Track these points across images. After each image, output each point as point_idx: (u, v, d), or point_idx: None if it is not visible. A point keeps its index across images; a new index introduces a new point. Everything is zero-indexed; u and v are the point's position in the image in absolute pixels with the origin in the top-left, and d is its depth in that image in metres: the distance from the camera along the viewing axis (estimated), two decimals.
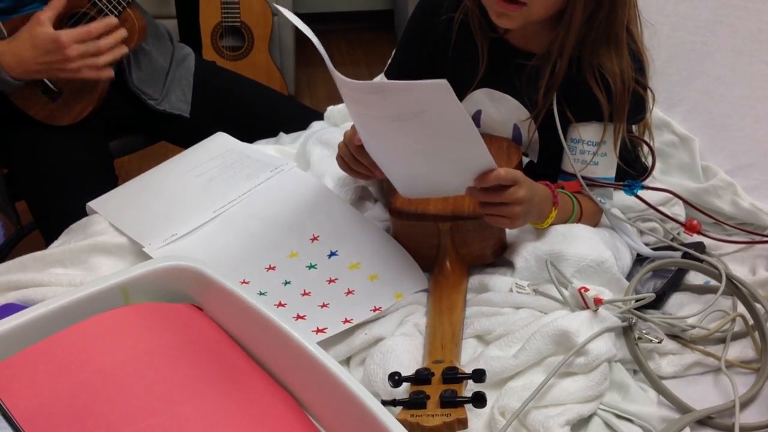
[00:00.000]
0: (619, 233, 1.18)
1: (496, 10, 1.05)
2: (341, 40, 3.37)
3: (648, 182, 1.28)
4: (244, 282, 1.01)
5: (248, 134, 1.41)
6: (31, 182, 1.42)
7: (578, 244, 1.05)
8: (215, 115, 1.60)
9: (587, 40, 1.06)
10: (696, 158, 1.34)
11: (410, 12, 2.35)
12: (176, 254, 1.04)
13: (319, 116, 1.54)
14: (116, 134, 1.58)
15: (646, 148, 1.22)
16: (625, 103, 1.08)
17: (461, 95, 1.18)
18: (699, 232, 1.21)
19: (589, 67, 1.08)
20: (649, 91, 1.13)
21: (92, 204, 1.19)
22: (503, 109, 1.17)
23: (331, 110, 1.49)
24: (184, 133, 1.61)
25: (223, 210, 1.12)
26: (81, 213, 1.20)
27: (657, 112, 1.38)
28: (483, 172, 0.95)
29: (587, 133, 1.13)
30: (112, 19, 1.34)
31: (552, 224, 1.08)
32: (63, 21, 1.36)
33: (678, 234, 1.24)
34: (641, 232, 1.25)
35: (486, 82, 1.16)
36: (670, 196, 1.26)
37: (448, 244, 1.04)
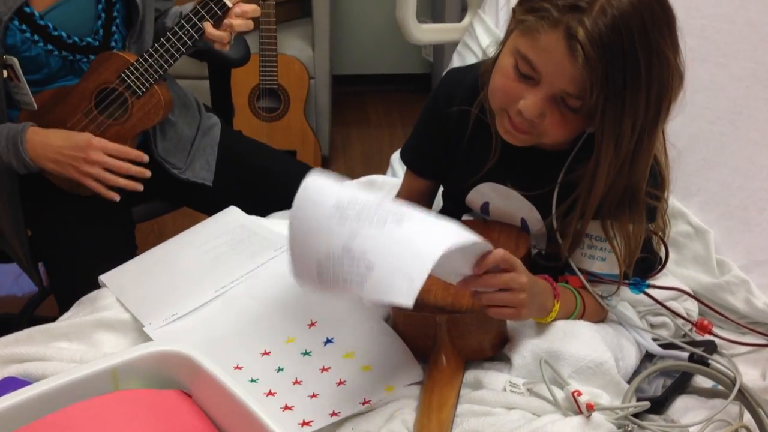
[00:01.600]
0: (627, 328, 1.16)
1: (506, 127, 1.04)
2: (378, 102, 3.41)
3: (661, 275, 1.26)
4: (237, 367, 1.02)
5: (269, 204, 1.44)
6: (49, 247, 1.46)
7: (577, 343, 1.03)
8: (238, 184, 1.63)
9: (604, 201, 1.04)
10: (711, 251, 1.31)
11: (452, 63, 2.34)
12: (174, 336, 1.05)
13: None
14: (139, 200, 1.62)
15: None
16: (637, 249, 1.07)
17: (469, 185, 1.19)
18: (710, 332, 1.18)
19: (605, 217, 1.06)
20: (663, 202, 1.10)
21: (103, 277, 1.22)
22: (511, 204, 1.17)
23: (348, 184, 1.50)
24: (207, 201, 1.65)
25: (225, 290, 1.13)
26: (95, 282, 1.23)
27: (673, 202, 1.36)
28: (480, 256, 0.92)
29: (594, 228, 1.11)
30: (144, 156, 1.40)
31: (555, 319, 1.06)
32: (91, 95, 1.42)
33: (690, 330, 1.21)
34: (652, 326, 1.23)
35: (496, 176, 1.16)
36: (687, 289, 1.24)
37: (445, 337, 1.04)
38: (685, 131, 1.39)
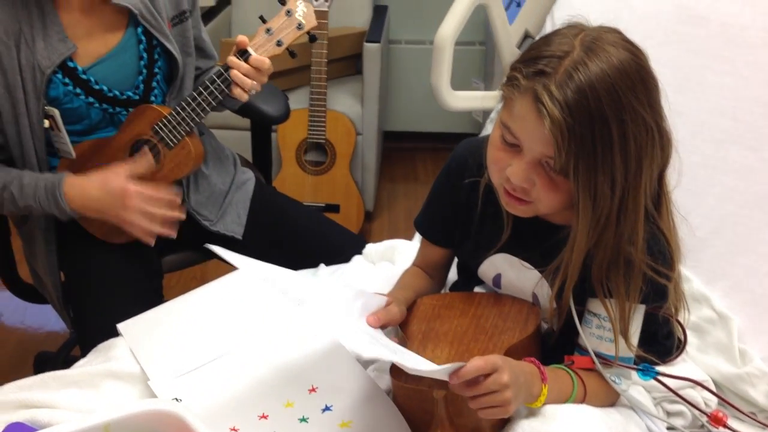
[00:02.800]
0: (640, 415, 1.12)
1: (505, 200, 1.05)
2: (427, 159, 3.44)
3: (679, 360, 1.22)
4: (233, 429, 1.02)
5: (297, 261, 1.45)
6: (77, 292, 1.50)
7: (578, 428, 1.01)
8: (267, 239, 1.66)
9: (595, 260, 1.03)
10: (733, 339, 1.27)
11: (486, 129, 2.35)
12: (176, 393, 1.07)
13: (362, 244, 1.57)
14: (170, 250, 1.66)
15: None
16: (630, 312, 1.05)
17: (483, 257, 1.19)
18: (725, 425, 1.14)
19: (598, 282, 1.05)
20: (674, 282, 1.08)
21: (121, 326, 1.26)
22: (523, 277, 1.16)
23: (369, 248, 1.52)
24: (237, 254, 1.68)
25: (232, 349, 1.15)
26: (115, 329, 1.27)
27: (698, 285, 1.33)
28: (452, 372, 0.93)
29: (603, 308, 1.09)
30: (178, 199, 1.45)
31: (549, 401, 1.03)
32: (127, 147, 1.47)
33: (707, 421, 1.17)
34: (668, 413, 1.19)
35: (509, 248, 1.16)
36: (705, 377, 1.20)
37: (443, 414, 1.02)
38: (714, 213, 1.36)
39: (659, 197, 1.06)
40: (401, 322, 1.16)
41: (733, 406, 1.18)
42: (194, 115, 1.44)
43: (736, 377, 1.23)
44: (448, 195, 1.21)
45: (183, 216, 1.46)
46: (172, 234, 1.46)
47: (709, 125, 1.39)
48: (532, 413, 1.04)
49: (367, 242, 1.58)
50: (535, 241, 1.12)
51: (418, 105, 3.37)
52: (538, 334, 1.12)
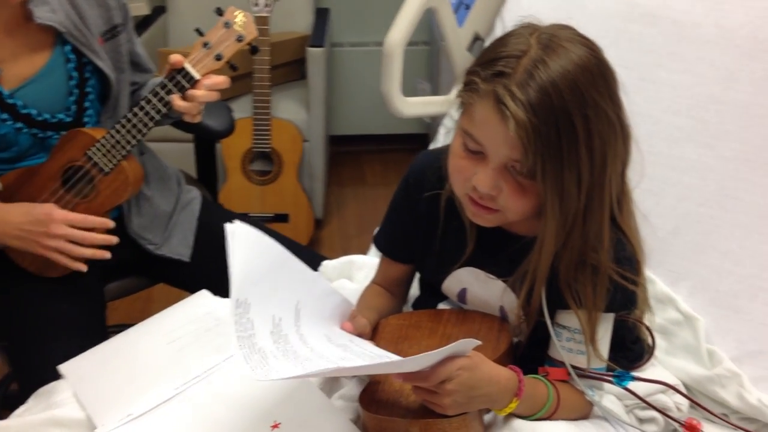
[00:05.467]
0: (613, 424, 1.10)
1: (471, 209, 1.02)
2: (375, 161, 3.39)
3: (649, 365, 1.20)
4: None
5: None
6: (10, 328, 1.40)
7: None
8: (217, 260, 1.58)
9: (562, 262, 1.01)
10: (701, 340, 1.25)
11: (438, 134, 2.30)
12: None
13: (321, 262, 1.51)
14: (113, 277, 1.58)
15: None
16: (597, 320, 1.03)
17: (447, 271, 1.15)
18: None
19: (565, 287, 1.02)
20: (640, 287, 1.06)
21: (62, 367, 1.17)
22: (489, 290, 1.12)
23: (326, 265, 1.46)
24: (185, 277, 1.60)
25: (186, 387, 1.08)
26: (55, 370, 1.18)
27: (662, 287, 1.31)
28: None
29: (571, 320, 1.06)
30: (109, 222, 1.36)
31: (520, 411, 1.00)
32: (58, 174, 1.38)
33: (680, 426, 1.15)
34: (641, 420, 1.16)
35: (473, 261, 1.12)
36: (675, 381, 1.18)
37: None
38: (674, 213, 1.34)
39: (621, 197, 1.04)
40: None
41: (704, 409, 1.16)
42: (129, 138, 1.36)
43: (706, 379, 1.21)
44: (407, 210, 1.17)
45: (114, 240, 1.36)
46: (105, 255, 1.37)
47: (664, 124, 1.37)
48: (509, 430, 1.01)
49: (317, 250, 1.52)
50: (500, 252, 1.09)
51: (363, 108, 3.33)
52: (510, 351, 1.08)
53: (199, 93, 1.33)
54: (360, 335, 1.07)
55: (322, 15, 3.01)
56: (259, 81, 2.52)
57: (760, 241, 1.27)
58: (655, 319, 1.27)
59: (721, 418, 1.15)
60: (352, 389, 1.12)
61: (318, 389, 1.09)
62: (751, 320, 1.24)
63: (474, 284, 1.14)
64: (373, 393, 1.02)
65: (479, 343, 0.93)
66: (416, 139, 3.42)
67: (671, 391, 1.17)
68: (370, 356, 0.95)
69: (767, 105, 1.31)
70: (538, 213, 0.99)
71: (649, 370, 1.21)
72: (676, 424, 1.14)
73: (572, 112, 0.90)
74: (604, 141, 0.94)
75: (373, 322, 1.15)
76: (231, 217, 1.68)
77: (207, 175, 1.91)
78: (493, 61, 0.94)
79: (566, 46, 0.93)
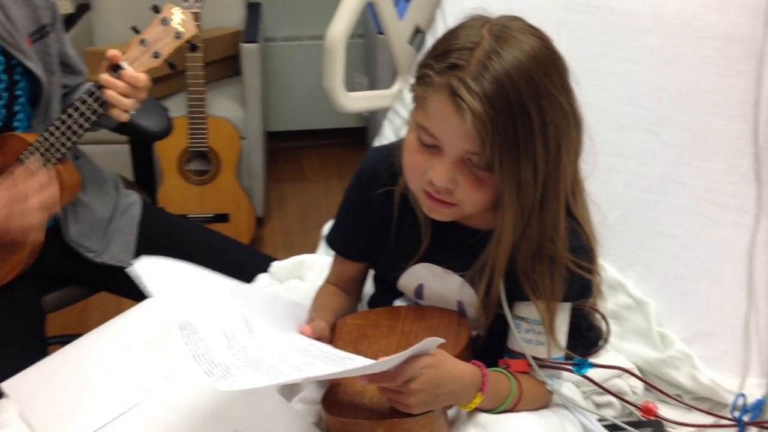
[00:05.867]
0: (572, 411, 1.11)
1: (427, 204, 1.01)
2: (314, 157, 3.36)
3: (603, 350, 1.22)
4: None
5: None
6: None
7: None
8: None
9: (520, 252, 1.01)
10: (652, 324, 1.28)
11: (383, 129, 2.29)
12: None
13: (269, 263, 1.48)
14: (52, 287, 1.51)
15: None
16: (555, 310, 1.04)
17: (403, 268, 1.14)
18: (656, 415, 1.14)
19: (524, 278, 1.02)
20: (597, 275, 1.07)
21: (5, 385, 1.11)
22: (446, 285, 1.11)
23: (275, 266, 1.43)
24: (128, 284, 1.52)
25: (141, 399, 1.04)
26: None
27: (612, 272, 1.33)
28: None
29: (529, 311, 1.07)
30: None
31: (484, 405, 1.00)
32: None
33: (636, 409, 1.17)
34: (598, 405, 1.18)
35: (429, 256, 1.11)
36: (630, 365, 1.21)
37: None
38: (620, 200, 1.36)
39: (574, 186, 1.05)
40: None
41: (659, 390, 1.18)
42: (64, 141, 1.30)
43: (659, 362, 1.24)
44: (361, 208, 1.15)
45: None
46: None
47: (608, 112, 1.39)
48: (474, 424, 1.00)
49: (260, 249, 1.49)
50: (456, 247, 1.08)
51: (299, 103, 3.29)
52: (470, 346, 1.08)
53: (128, 74, 1.26)
54: (320, 338, 1.05)
55: (254, 9, 2.96)
56: (193, 79, 2.46)
57: (704, 224, 1.30)
58: (607, 305, 1.29)
59: (675, 399, 1.17)
60: (312, 392, 1.10)
61: (277, 394, 1.06)
62: (699, 302, 1.27)
63: (431, 280, 1.13)
64: (335, 395, 1.00)
65: (443, 341, 0.93)
66: (354, 133, 3.40)
67: (626, 375, 1.19)
68: (333, 360, 0.93)
69: (707, 90, 1.34)
70: (494, 205, 0.99)
71: (603, 356, 1.23)
72: (632, 408, 1.16)
73: (527, 103, 0.90)
74: (558, 130, 0.94)
75: (330, 323, 1.13)
76: (173, 220, 1.65)
77: (145, 177, 1.85)
78: (446, 54, 0.93)
79: (518, 37, 0.93)
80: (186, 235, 1.60)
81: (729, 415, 1.11)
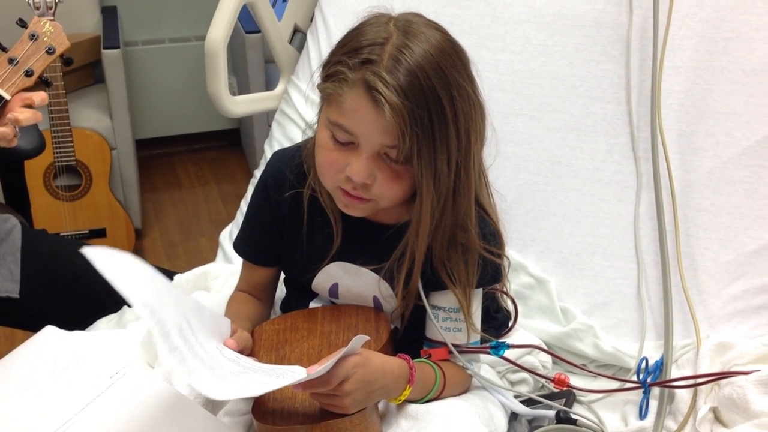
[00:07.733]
0: (491, 391, 1.15)
1: (343, 200, 1.01)
2: (187, 162, 3.26)
3: (513, 330, 1.28)
4: None
5: (88, 311, 1.29)
6: None
7: (455, 426, 1.00)
8: (50, 290, 1.46)
9: (436, 241, 1.04)
10: (554, 300, 1.34)
11: (256, 129, 2.27)
12: None
13: (169, 276, 1.43)
14: None
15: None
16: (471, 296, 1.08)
17: (317, 268, 1.14)
18: (568, 385, 1.20)
19: (440, 267, 1.05)
20: (505, 258, 1.11)
21: None
22: (361, 282, 1.12)
23: (179, 279, 1.39)
24: (17, 314, 1.46)
25: (58, 425, 0.98)
26: None
27: (512, 254, 1.39)
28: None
29: (446, 300, 1.10)
30: None
31: (413, 396, 1.03)
32: None
33: (548, 382, 1.23)
34: (512, 383, 1.23)
35: (342, 255, 1.12)
36: (538, 341, 1.26)
37: None
38: (513, 184, 1.42)
39: (480, 174, 1.09)
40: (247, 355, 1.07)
41: (567, 362, 1.24)
42: None
43: (563, 335, 1.31)
44: (268, 212, 1.14)
45: None
46: None
47: (493, 101, 1.42)
48: (404, 416, 1.03)
49: (142, 256, 1.43)
50: (369, 243, 1.10)
51: (166, 108, 3.18)
52: (391, 339, 1.10)
53: (22, 116, 1.20)
54: (244, 349, 1.04)
55: (110, 14, 2.83)
56: (53, 89, 2.32)
57: (591, 201, 1.38)
58: (510, 285, 1.34)
59: (582, 368, 1.24)
60: (237, 404, 1.08)
61: (202, 408, 1.04)
62: (594, 275, 1.35)
63: (345, 278, 1.13)
64: (265, 404, 0.99)
65: (368, 338, 0.94)
66: (227, 135, 3.33)
67: (536, 351, 1.25)
68: (265, 371, 0.92)
69: (582, 76, 1.42)
70: (409, 198, 1.01)
71: (513, 335, 1.28)
72: (544, 381, 1.23)
73: (440, 93, 0.93)
74: (468, 119, 0.97)
75: (248, 332, 1.11)
76: (59, 241, 1.56)
77: (19, 201, 1.73)
78: (356, 50, 0.94)
79: (424, 31, 0.96)
80: (72, 256, 1.52)
81: (634, 379, 1.19)
